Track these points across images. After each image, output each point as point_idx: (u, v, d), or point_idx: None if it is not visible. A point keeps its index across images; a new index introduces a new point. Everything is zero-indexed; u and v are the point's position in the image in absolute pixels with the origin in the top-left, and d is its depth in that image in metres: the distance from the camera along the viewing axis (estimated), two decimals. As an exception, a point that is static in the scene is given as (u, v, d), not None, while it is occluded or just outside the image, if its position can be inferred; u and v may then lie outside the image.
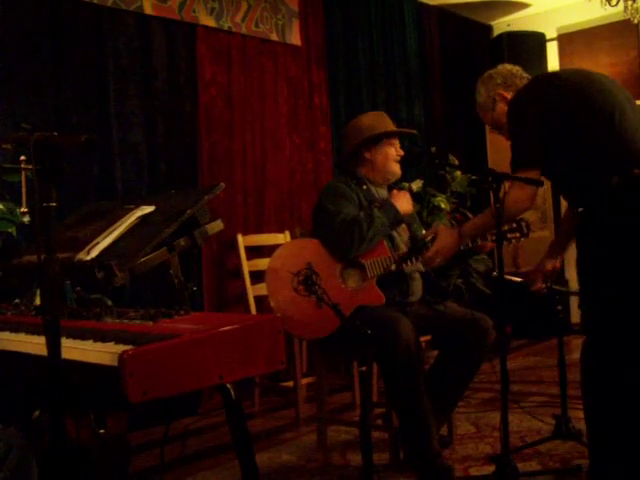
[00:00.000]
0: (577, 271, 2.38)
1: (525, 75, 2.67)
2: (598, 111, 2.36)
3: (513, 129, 2.50)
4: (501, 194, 2.37)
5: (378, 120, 3.17)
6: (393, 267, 2.92)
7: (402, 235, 3.14)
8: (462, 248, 2.78)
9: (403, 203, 3.02)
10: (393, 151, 3.14)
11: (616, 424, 2.26)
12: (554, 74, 2.67)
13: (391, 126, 3.18)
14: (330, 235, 2.96)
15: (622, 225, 2.27)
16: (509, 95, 2.62)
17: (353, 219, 2.94)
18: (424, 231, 3.35)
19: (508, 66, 2.71)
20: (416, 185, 3.37)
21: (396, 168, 3.15)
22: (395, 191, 3.14)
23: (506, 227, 2.70)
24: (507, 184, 2.45)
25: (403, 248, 3.04)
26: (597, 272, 2.32)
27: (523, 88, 2.56)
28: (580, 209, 2.40)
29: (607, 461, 2.29)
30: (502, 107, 2.64)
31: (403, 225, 3.13)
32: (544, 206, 5.91)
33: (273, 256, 3.06)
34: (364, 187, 3.13)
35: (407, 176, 3.30)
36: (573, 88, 2.42)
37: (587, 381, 2.33)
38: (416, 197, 3.58)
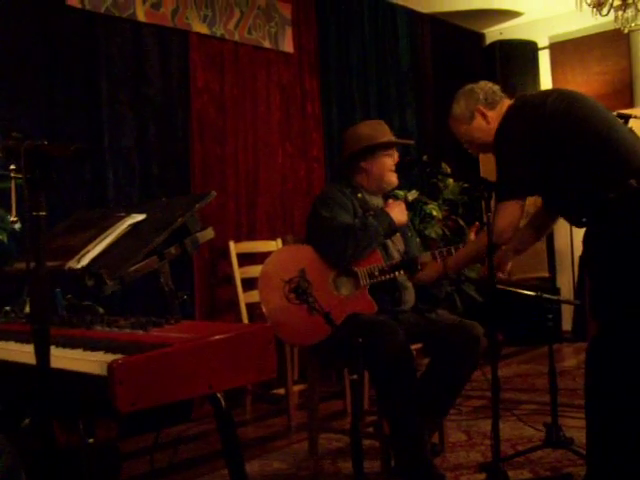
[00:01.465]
0: (589, 285, 2.42)
1: (504, 95, 2.69)
2: (588, 126, 2.37)
3: (502, 157, 2.51)
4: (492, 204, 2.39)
5: (376, 129, 3.15)
6: (382, 278, 2.92)
7: (396, 244, 3.14)
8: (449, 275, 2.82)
9: (398, 213, 3.02)
10: (390, 161, 3.12)
11: (620, 428, 2.26)
12: (538, 95, 2.67)
13: (389, 136, 3.16)
14: (324, 242, 2.96)
15: (622, 237, 2.28)
16: (488, 112, 2.63)
17: (347, 227, 2.94)
18: (418, 240, 3.36)
19: (489, 83, 2.73)
20: (412, 196, 3.38)
21: (393, 178, 3.15)
22: (391, 201, 3.14)
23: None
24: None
25: (397, 257, 3.05)
26: (605, 286, 2.34)
27: (509, 114, 2.56)
28: (582, 226, 2.42)
29: (605, 467, 2.30)
30: (479, 122, 2.65)
31: (397, 234, 3.14)
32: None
33: (266, 262, 3.05)
34: (359, 195, 3.13)
35: (400, 184, 3.30)
36: (561, 107, 2.42)
37: (594, 384, 2.33)
38: (410, 206, 3.60)
